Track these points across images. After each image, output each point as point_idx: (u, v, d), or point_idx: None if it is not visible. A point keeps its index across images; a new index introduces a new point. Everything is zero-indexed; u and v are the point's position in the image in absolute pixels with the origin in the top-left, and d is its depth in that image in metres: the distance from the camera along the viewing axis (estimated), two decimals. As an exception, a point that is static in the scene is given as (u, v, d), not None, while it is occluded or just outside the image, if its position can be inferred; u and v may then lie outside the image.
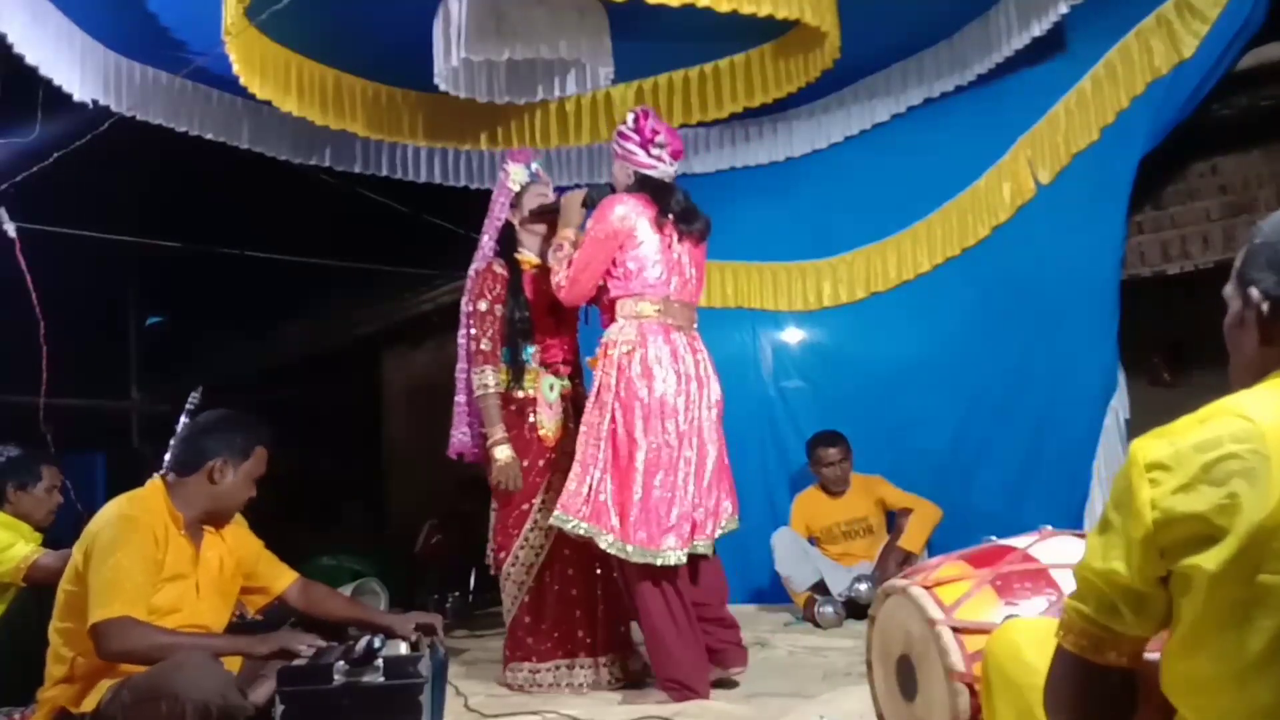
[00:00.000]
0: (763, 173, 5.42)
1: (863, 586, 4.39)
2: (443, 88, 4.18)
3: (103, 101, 4.23)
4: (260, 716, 2.24)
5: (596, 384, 3.17)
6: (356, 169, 5.21)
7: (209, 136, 4.71)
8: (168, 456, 3.19)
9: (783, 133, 5.36)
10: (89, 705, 2.31)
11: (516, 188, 3.57)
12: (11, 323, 4.40)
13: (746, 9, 3.57)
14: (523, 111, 5.07)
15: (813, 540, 4.74)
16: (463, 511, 6.67)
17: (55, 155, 4.36)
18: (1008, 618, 1.76)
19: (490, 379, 3.37)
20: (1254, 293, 1.20)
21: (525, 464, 3.38)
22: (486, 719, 3.00)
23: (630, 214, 3.18)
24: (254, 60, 4.14)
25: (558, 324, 3.51)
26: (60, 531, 3.66)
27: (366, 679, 2.21)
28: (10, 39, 3.71)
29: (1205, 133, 4.53)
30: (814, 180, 5.27)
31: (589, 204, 3.37)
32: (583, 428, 3.16)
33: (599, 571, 3.39)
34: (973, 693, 1.75)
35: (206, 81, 4.60)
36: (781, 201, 5.36)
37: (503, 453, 3.32)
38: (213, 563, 2.57)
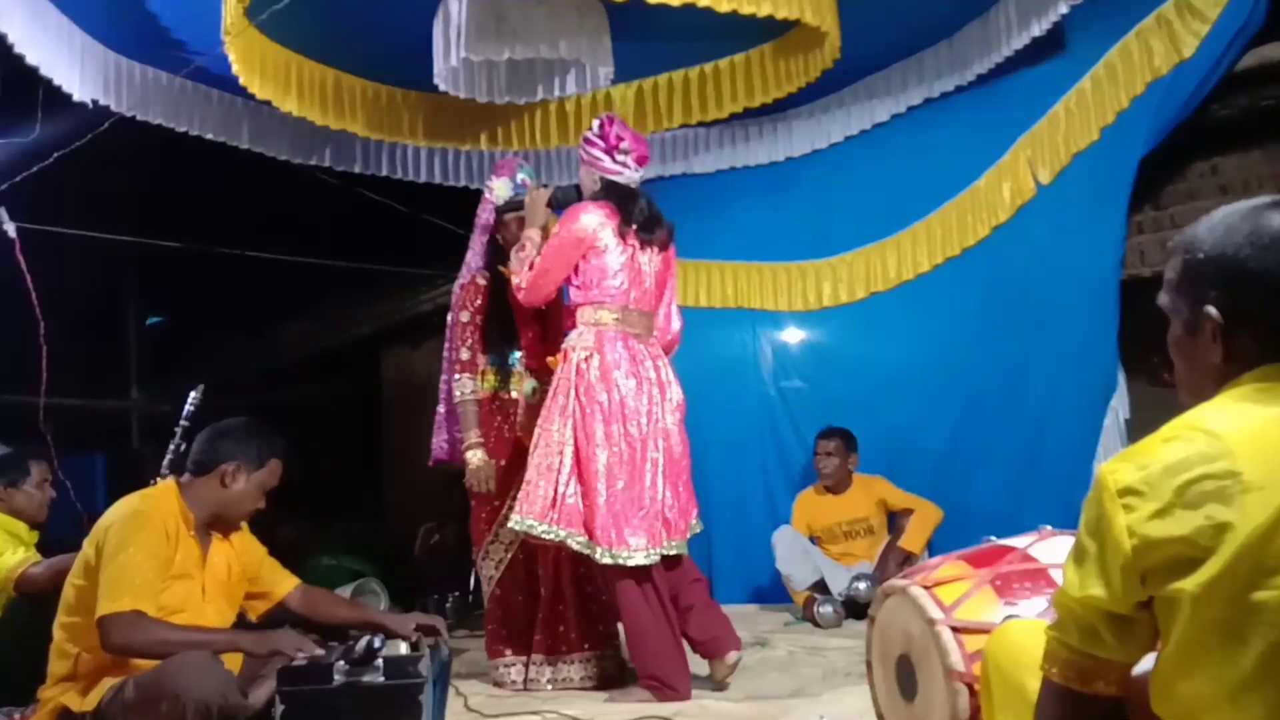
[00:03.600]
0: (763, 173, 5.43)
1: (862, 585, 4.39)
2: (443, 88, 4.18)
3: (103, 101, 4.23)
4: (260, 716, 2.25)
5: (554, 389, 3.22)
6: (356, 169, 5.21)
7: (209, 136, 4.71)
8: (167, 458, 3.19)
9: (783, 133, 5.36)
10: (90, 704, 2.31)
11: (499, 202, 3.63)
12: (11, 323, 4.40)
13: (746, 9, 3.57)
14: (523, 111, 5.07)
15: (814, 539, 4.75)
16: (461, 512, 6.68)
17: (55, 155, 4.36)
18: (1007, 618, 1.76)
19: (468, 385, 3.51)
20: (1211, 311, 1.18)
21: (503, 463, 3.49)
22: (486, 719, 3.00)
23: (596, 222, 3.21)
24: (254, 60, 4.14)
25: (543, 329, 3.61)
26: (61, 533, 3.66)
27: (366, 679, 2.21)
28: (10, 39, 3.71)
29: (1205, 133, 4.53)
30: (814, 180, 5.27)
31: (554, 204, 3.40)
32: (538, 432, 3.21)
33: (581, 570, 3.43)
34: (972, 693, 1.75)
35: (206, 81, 4.60)
36: (781, 201, 5.36)
37: (475, 456, 3.45)
38: (220, 567, 2.58)
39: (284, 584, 2.75)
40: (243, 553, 2.66)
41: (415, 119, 4.99)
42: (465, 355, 3.53)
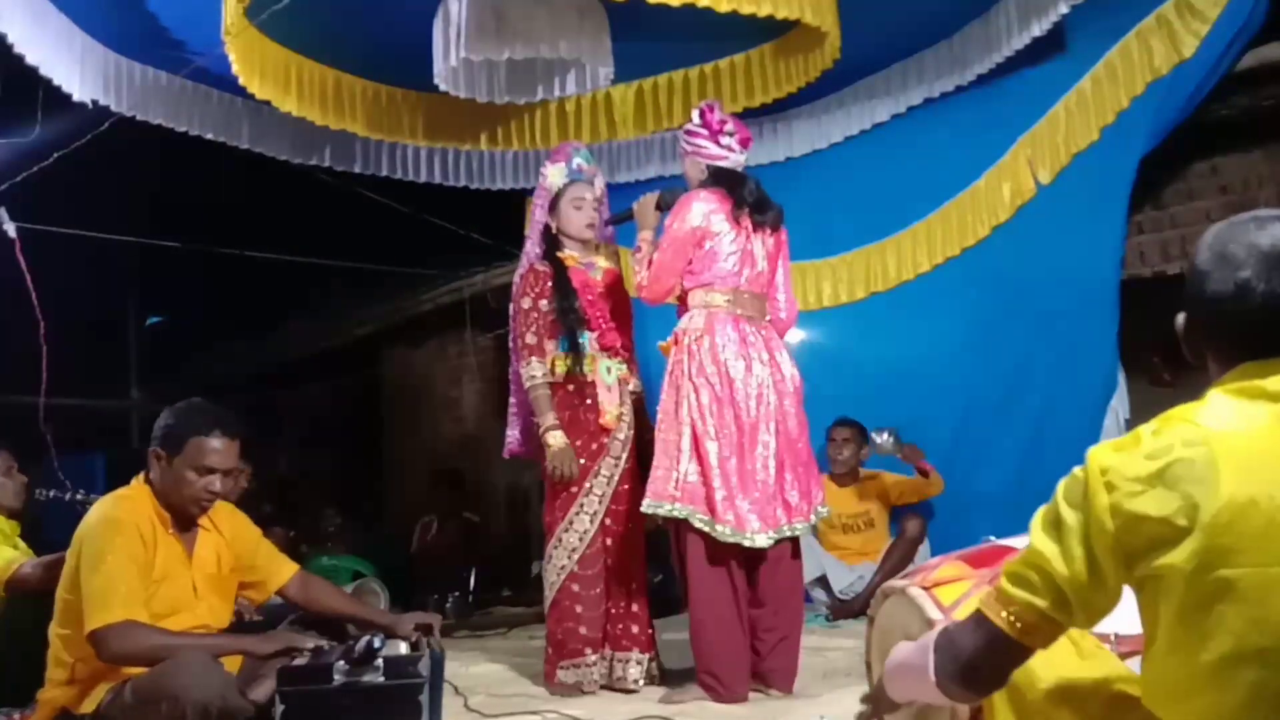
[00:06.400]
0: (763, 173, 5.39)
1: (881, 439, 4.59)
2: (443, 88, 4.18)
3: (103, 101, 4.23)
4: (260, 716, 2.24)
5: (669, 371, 3.20)
6: (356, 169, 5.21)
7: (209, 136, 4.71)
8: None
9: (783, 133, 5.35)
10: (89, 706, 2.31)
11: (554, 189, 3.58)
12: (11, 323, 4.40)
13: (746, 9, 3.57)
14: (523, 111, 5.06)
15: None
16: (462, 511, 6.68)
17: (55, 155, 4.36)
18: (1007, 617, 1.76)
19: (537, 370, 3.40)
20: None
21: (578, 444, 3.37)
22: (486, 719, 3.00)
23: (706, 211, 3.20)
24: (254, 60, 4.14)
25: (611, 312, 3.55)
26: (61, 534, 3.64)
27: (366, 679, 2.21)
28: (10, 39, 3.70)
29: (1205, 133, 4.53)
30: (814, 180, 5.25)
31: (662, 205, 3.38)
32: (659, 415, 3.19)
33: (637, 568, 3.42)
34: (972, 693, 1.74)
35: (206, 81, 4.60)
36: (781, 201, 5.34)
37: (555, 439, 3.32)
38: (208, 561, 2.53)
39: (283, 571, 2.67)
40: (235, 541, 2.60)
41: (415, 119, 4.99)
42: (531, 340, 3.43)
